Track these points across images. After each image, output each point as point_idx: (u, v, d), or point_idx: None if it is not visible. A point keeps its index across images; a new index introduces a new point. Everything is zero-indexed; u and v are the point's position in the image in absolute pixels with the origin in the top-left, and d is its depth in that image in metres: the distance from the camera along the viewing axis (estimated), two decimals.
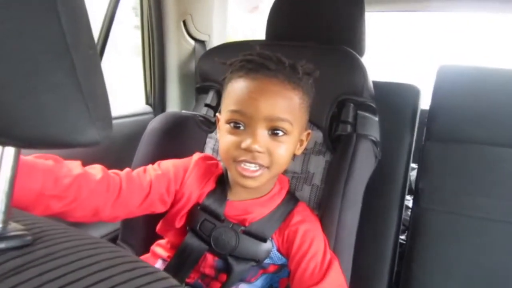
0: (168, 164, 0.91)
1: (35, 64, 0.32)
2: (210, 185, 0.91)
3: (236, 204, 0.88)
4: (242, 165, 0.78)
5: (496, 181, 1.18)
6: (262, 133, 0.77)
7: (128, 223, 1.05)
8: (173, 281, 0.36)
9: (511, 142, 1.21)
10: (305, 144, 0.89)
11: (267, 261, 0.88)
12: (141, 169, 0.88)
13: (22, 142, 0.33)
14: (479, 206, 1.18)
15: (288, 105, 0.78)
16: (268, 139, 0.78)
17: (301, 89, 0.81)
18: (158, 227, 0.96)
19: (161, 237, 0.99)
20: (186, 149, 1.04)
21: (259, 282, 0.91)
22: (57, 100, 0.33)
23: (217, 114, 0.90)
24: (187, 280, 0.89)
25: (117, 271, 0.34)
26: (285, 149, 0.80)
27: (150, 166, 0.90)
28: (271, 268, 0.91)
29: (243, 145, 0.76)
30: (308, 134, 0.89)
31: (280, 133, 0.78)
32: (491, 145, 1.22)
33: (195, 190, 0.90)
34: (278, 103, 0.77)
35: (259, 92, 0.76)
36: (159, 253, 0.96)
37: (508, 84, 1.25)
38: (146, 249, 1.01)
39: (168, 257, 0.93)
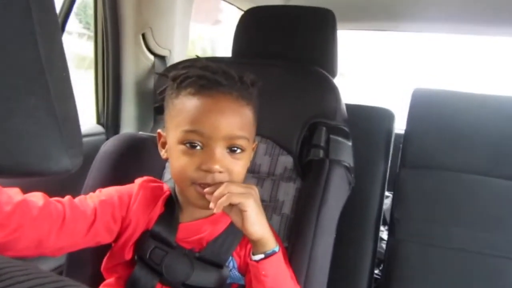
0: (111, 190, 0.91)
1: (10, 88, 0.33)
2: (159, 209, 0.92)
3: (188, 226, 0.90)
4: (202, 186, 0.80)
5: (473, 211, 1.25)
6: (221, 152, 0.80)
7: (74, 257, 1.02)
8: None
9: (485, 170, 1.29)
10: (251, 156, 0.92)
11: (228, 281, 0.89)
12: (82, 196, 0.88)
13: None
14: (456, 238, 1.23)
15: (243, 121, 0.83)
16: (227, 157, 0.81)
17: (252, 103, 0.86)
18: (103, 265, 0.94)
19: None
20: (143, 175, 1.02)
21: None
22: (32, 125, 0.34)
23: (159, 130, 0.91)
24: None
25: None
26: (242, 166, 0.84)
27: (91, 194, 0.90)
28: None
29: (204, 166, 0.78)
30: (255, 145, 0.93)
31: (238, 150, 0.82)
32: (467, 172, 1.29)
33: (143, 216, 0.91)
34: (236, 121, 0.81)
35: (216, 110, 0.79)
36: None
37: (481, 109, 1.34)
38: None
39: None
